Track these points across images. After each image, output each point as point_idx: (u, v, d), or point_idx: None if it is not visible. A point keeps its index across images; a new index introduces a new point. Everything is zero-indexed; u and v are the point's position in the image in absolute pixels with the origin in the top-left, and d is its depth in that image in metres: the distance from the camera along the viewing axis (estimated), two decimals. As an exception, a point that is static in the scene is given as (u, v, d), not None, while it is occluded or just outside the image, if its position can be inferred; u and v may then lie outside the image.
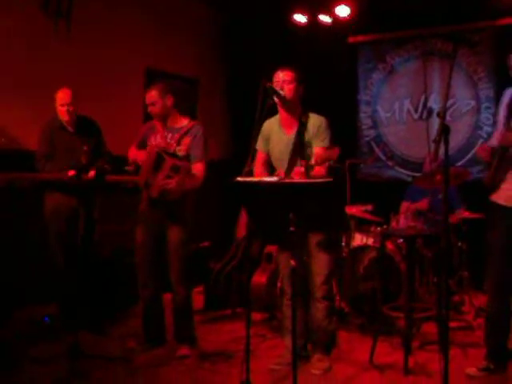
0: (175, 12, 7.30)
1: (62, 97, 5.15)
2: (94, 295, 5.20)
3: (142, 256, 4.70)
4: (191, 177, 4.49)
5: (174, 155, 4.49)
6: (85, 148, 4.50)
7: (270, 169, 4.47)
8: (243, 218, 5.76)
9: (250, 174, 3.79)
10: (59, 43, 6.04)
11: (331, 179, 3.85)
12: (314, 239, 4.29)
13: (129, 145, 4.74)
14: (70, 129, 5.22)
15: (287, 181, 3.66)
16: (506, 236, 4.12)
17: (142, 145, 4.71)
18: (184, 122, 4.68)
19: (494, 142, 4.21)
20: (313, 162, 3.92)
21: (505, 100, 4.23)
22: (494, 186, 4.13)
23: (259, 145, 4.44)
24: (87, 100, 5.30)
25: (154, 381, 4.22)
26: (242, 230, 5.85)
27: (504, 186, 4.10)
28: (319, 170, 4.12)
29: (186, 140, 4.58)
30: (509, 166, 4.06)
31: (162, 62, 7.09)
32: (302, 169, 3.97)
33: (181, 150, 4.56)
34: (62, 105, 5.14)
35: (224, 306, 5.96)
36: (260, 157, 4.48)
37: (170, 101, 4.63)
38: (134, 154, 4.68)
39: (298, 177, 3.95)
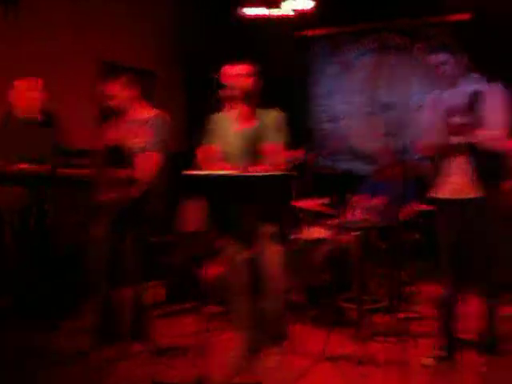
0: (131, 3, 7.23)
1: (30, 84, 5.10)
2: (47, 290, 5.16)
3: (97, 251, 4.66)
4: (134, 184, 4.43)
5: (121, 152, 4.44)
6: (40, 141, 4.45)
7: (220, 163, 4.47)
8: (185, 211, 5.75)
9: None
10: (8, 31, 5.93)
11: (283, 172, 3.88)
12: (266, 231, 4.29)
13: (82, 138, 4.67)
14: (30, 118, 5.14)
15: (239, 173, 3.67)
16: (454, 228, 4.20)
17: None
18: (147, 113, 4.66)
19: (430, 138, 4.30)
20: (276, 160, 3.95)
21: (428, 104, 4.35)
22: (438, 182, 4.19)
23: (209, 139, 4.42)
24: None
25: (109, 378, 4.19)
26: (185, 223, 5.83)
27: (450, 180, 4.16)
28: (278, 165, 4.15)
29: (145, 131, 4.55)
30: (451, 159, 4.13)
31: (117, 55, 7.02)
32: (267, 166, 4.01)
33: (139, 142, 4.53)
34: (29, 91, 5.08)
35: (182, 299, 5.95)
36: (209, 151, 4.42)
37: (128, 93, 4.61)
38: None
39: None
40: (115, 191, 4.35)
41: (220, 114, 4.42)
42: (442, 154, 4.15)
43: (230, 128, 4.40)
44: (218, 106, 4.06)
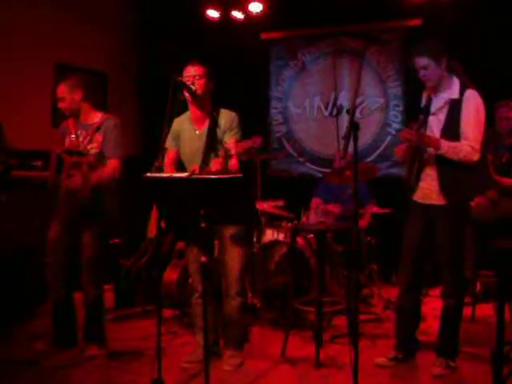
0: (86, 4, 7.13)
1: None
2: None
3: (54, 254, 4.55)
4: (98, 170, 4.37)
5: (80, 153, 4.37)
6: None
7: (181, 166, 4.43)
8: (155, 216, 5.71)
9: (160, 169, 3.75)
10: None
11: (241, 175, 3.85)
12: (228, 233, 4.27)
13: (36, 140, 4.59)
14: None
15: (197, 176, 3.63)
16: (421, 231, 4.22)
17: None
18: (97, 118, 4.56)
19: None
20: (233, 151, 3.90)
21: (423, 103, 4.29)
22: (412, 186, 4.21)
23: (169, 143, 4.36)
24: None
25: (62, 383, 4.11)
26: (154, 229, 5.80)
27: (421, 185, 4.18)
28: (234, 163, 4.12)
29: (98, 137, 4.46)
30: (423, 164, 4.13)
31: (71, 56, 6.90)
32: (221, 159, 3.93)
33: (93, 148, 4.45)
34: None
35: (134, 303, 5.87)
36: (170, 155, 4.40)
37: (78, 95, 4.50)
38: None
39: (216, 166, 3.90)
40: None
41: (180, 117, 4.39)
42: (411, 159, 4.17)
43: (190, 131, 4.37)
44: (179, 108, 4.02)
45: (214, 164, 3.96)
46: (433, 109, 4.12)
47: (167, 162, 4.38)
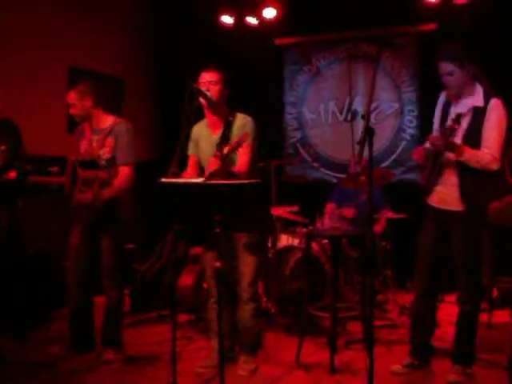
0: (101, 9, 7.17)
1: None
2: (16, 299, 5.06)
3: (75, 259, 4.58)
4: (109, 186, 4.39)
5: (91, 163, 4.39)
6: (2, 147, 4.37)
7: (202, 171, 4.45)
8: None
9: (176, 175, 3.75)
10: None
11: (259, 180, 3.85)
12: (241, 240, 4.27)
13: (52, 146, 4.61)
14: None
15: (213, 182, 3.63)
16: (436, 236, 4.20)
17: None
18: (109, 122, 4.57)
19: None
20: (225, 150, 3.89)
21: (439, 103, 4.28)
22: (429, 190, 4.19)
23: (191, 150, 4.41)
24: (7, 100, 5.12)
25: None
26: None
27: (438, 189, 4.15)
28: (240, 167, 4.14)
29: (110, 141, 4.48)
30: (442, 169, 4.10)
31: (86, 61, 6.94)
32: (215, 158, 3.93)
33: (105, 153, 4.47)
34: None
35: (150, 308, 5.88)
36: (192, 161, 4.43)
37: (88, 102, 4.52)
38: None
39: (213, 166, 3.88)
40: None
41: (198, 124, 4.42)
42: (431, 163, 4.14)
43: (208, 136, 4.38)
44: (196, 114, 4.03)
45: (211, 164, 3.95)
46: (454, 115, 4.06)
47: (189, 168, 4.41)
